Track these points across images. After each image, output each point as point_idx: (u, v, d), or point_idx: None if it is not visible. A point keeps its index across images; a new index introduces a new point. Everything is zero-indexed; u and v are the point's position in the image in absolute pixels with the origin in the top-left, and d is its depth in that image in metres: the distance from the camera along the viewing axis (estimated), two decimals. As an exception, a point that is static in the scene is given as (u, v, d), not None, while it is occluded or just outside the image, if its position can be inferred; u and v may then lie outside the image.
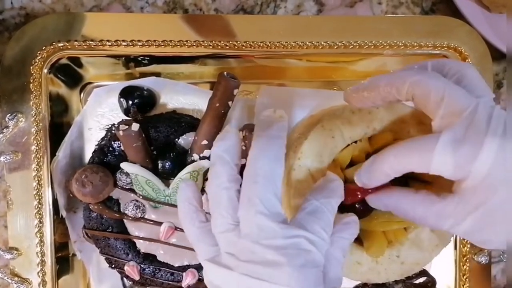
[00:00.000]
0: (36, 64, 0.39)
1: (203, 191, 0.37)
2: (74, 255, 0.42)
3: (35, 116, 0.39)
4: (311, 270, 0.27)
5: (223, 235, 0.28)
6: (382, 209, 0.32)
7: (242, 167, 0.29)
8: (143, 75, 0.42)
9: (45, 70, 0.40)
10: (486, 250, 0.42)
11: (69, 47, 0.40)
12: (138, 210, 0.37)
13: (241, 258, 0.27)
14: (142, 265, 0.38)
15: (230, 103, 0.36)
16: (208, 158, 0.37)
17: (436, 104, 0.27)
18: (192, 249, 0.37)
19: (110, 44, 0.40)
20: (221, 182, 0.29)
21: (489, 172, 0.26)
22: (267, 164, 0.28)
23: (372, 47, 0.42)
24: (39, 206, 0.39)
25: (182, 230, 0.37)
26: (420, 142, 0.28)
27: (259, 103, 0.42)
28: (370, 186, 0.32)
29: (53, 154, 0.40)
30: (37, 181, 0.39)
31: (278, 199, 0.28)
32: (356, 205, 0.34)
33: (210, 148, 0.36)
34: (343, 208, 0.34)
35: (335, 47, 0.41)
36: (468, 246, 0.43)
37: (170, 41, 0.40)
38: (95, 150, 0.39)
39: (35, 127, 0.39)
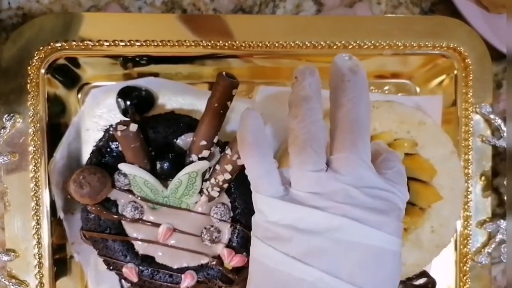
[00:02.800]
0: (33, 64, 0.39)
1: (201, 192, 0.37)
2: (72, 257, 0.42)
3: (32, 117, 0.39)
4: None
5: (315, 174, 0.27)
6: None
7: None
8: (141, 75, 0.42)
9: (43, 71, 0.39)
10: (486, 251, 0.42)
11: (67, 47, 0.39)
12: (136, 211, 0.37)
13: (336, 199, 0.26)
14: (140, 267, 0.38)
15: (229, 103, 0.35)
16: (207, 158, 0.37)
17: None
18: (191, 251, 0.37)
19: (108, 44, 0.40)
20: (319, 119, 0.28)
21: None
22: (366, 111, 0.28)
23: (372, 47, 0.42)
24: (37, 207, 0.39)
25: (180, 231, 0.37)
26: None
27: (258, 103, 0.42)
28: None
29: (50, 155, 0.40)
30: (34, 183, 0.39)
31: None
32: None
33: (208, 149, 0.36)
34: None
35: (334, 47, 0.41)
36: (469, 247, 0.42)
37: (169, 41, 0.40)
38: (92, 151, 0.39)
39: (33, 128, 0.39)
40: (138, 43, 0.40)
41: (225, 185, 0.37)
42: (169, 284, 0.38)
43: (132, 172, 0.36)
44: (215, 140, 0.36)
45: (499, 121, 0.42)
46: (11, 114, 0.39)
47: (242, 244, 0.38)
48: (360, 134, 0.27)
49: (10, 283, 0.39)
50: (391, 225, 0.27)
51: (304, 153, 0.27)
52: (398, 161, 0.30)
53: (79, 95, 0.43)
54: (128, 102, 0.40)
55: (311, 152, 0.27)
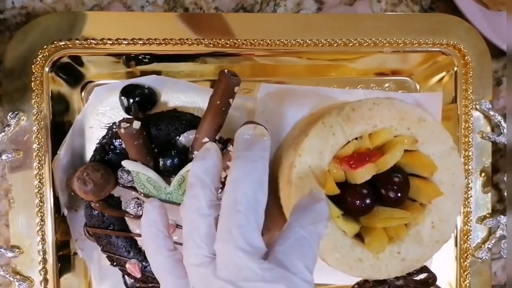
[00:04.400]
0: (37, 63, 0.39)
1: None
2: (75, 253, 0.42)
3: (36, 115, 0.39)
4: None
5: (197, 269, 0.25)
6: None
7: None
8: (144, 73, 0.43)
9: (47, 69, 0.40)
10: (486, 247, 0.42)
11: (70, 46, 0.40)
12: (140, 207, 0.37)
13: None
14: (143, 263, 0.38)
15: (231, 100, 0.36)
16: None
17: None
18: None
19: (111, 42, 0.40)
20: (200, 207, 0.26)
21: None
22: (250, 190, 0.25)
23: (372, 44, 0.42)
24: (41, 204, 0.39)
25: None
26: None
27: (259, 101, 0.42)
28: None
29: (54, 152, 0.40)
30: (38, 180, 0.39)
31: (260, 231, 0.25)
32: (357, 203, 0.35)
33: (211, 146, 0.37)
34: (344, 206, 0.35)
35: (335, 45, 0.42)
36: (469, 242, 0.43)
37: (171, 39, 0.40)
38: (96, 148, 0.39)
39: (37, 125, 0.39)
40: (140, 42, 0.40)
41: (227, 182, 0.37)
42: (172, 280, 0.38)
43: (135, 169, 0.36)
44: (217, 137, 0.37)
45: (499, 118, 0.42)
46: (16, 112, 0.39)
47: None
48: (237, 220, 0.25)
49: (15, 279, 0.39)
50: None
51: (186, 245, 0.26)
52: (300, 225, 0.26)
53: (83, 93, 0.44)
54: (131, 100, 0.40)
55: (192, 244, 0.26)
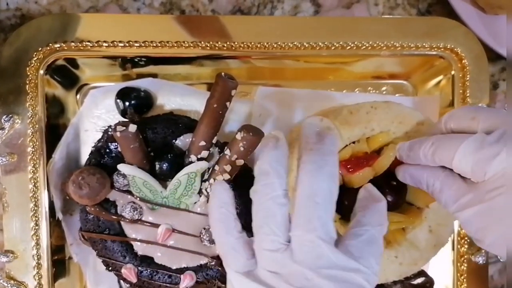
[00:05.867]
0: (32, 65, 0.39)
1: (200, 192, 0.37)
2: (70, 258, 0.42)
3: (31, 118, 0.39)
4: None
5: (271, 254, 0.27)
6: (407, 181, 0.33)
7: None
8: (140, 76, 0.42)
9: (41, 72, 0.39)
10: (483, 251, 0.42)
11: (65, 48, 0.39)
12: (136, 212, 0.37)
13: (292, 282, 0.26)
14: (139, 268, 0.38)
15: (228, 104, 0.35)
16: (206, 159, 0.37)
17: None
18: (190, 251, 0.37)
19: (106, 45, 0.40)
20: (277, 196, 0.27)
21: (503, 173, 0.26)
22: (325, 183, 0.27)
23: (369, 48, 0.42)
24: (35, 208, 0.39)
25: (179, 232, 0.37)
26: (452, 138, 0.29)
27: (256, 104, 0.42)
28: (406, 162, 0.33)
29: (49, 156, 0.40)
30: (33, 183, 0.39)
31: (333, 222, 0.27)
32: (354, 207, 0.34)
33: (207, 149, 0.36)
34: (342, 210, 0.35)
35: (332, 48, 0.42)
36: (466, 246, 0.43)
37: (167, 42, 0.40)
38: (91, 151, 0.39)
39: (31, 128, 0.39)
40: (137, 44, 0.40)
41: (224, 186, 0.37)
42: (168, 285, 0.38)
43: (131, 172, 0.36)
44: (214, 141, 0.36)
45: (495, 121, 0.42)
46: (10, 115, 0.39)
47: (241, 244, 0.38)
48: (316, 211, 0.26)
49: (9, 284, 0.39)
50: None
51: (261, 230, 0.27)
52: (370, 225, 0.28)
53: (78, 96, 0.43)
54: (127, 103, 0.40)
55: (267, 231, 0.27)
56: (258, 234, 0.28)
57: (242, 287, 0.28)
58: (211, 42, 0.40)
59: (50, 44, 0.39)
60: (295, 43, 0.41)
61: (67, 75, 0.42)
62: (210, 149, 0.37)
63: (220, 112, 0.36)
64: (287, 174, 0.28)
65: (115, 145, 0.37)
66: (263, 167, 0.28)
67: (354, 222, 0.28)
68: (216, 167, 0.36)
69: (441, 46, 0.43)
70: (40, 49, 0.39)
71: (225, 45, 0.41)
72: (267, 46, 0.41)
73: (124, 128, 0.35)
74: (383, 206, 0.29)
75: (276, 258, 0.27)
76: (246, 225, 0.37)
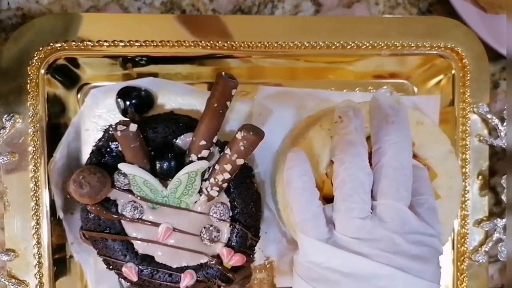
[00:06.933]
0: (33, 65, 0.39)
1: (201, 191, 0.37)
2: (71, 256, 0.42)
3: (32, 117, 0.39)
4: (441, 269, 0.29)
5: (361, 221, 0.28)
6: None
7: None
8: (141, 75, 0.42)
9: (42, 71, 0.40)
10: (483, 250, 0.42)
11: (66, 47, 0.40)
12: (136, 211, 0.37)
13: (381, 247, 0.27)
14: (140, 267, 0.38)
15: (228, 103, 0.35)
16: (206, 158, 0.37)
17: None
18: (190, 250, 0.37)
19: (107, 44, 0.40)
20: (365, 166, 0.29)
21: None
22: (407, 156, 0.29)
23: (370, 47, 0.42)
24: (36, 207, 0.39)
25: (180, 231, 0.37)
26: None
27: (257, 103, 0.42)
28: None
29: (50, 155, 0.40)
30: (34, 183, 0.39)
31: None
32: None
33: (208, 149, 0.36)
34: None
35: (333, 47, 0.42)
36: (466, 245, 0.43)
37: (168, 41, 0.40)
38: (92, 151, 0.39)
39: (32, 128, 0.39)
40: (137, 44, 0.40)
41: (225, 185, 0.37)
42: (168, 283, 0.38)
43: (132, 172, 0.36)
44: (214, 140, 0.37)
45: (496, 121, 0.42)
46: (11, 114, 0.39)
47: (241, 244, 0.38)
48: (404, 181, 0.28)
49: (10, 283, 0.39)
50: (432, 272, 0.28)
51: (351, 199, 0.28)
52: (427, 193, 0.30)
53: (79, 95, 0.43)
54: (128, 102, 0.40)
55: (358, 199, 0.28)
56: (346, 202, 0.28)
57: (322, 254, 0.28)
58: (211, 42, 0.40)
59: (51, 44, 0.39)
60: (296, 42, 0.41)
61: (68, 74, 0.42)
62: (211, 149, 0.37)
63: (221, 111, 0.36)
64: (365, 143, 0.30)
65: (116, 144, 0.38)
66: (349, 137, 0.29)
67: (412, 191, 0.29)
68: (217, 166, 0.36)
69: (441, 46, 0.43)
70: (41, 48, 0.39)
71: (226, 44, 0.41)
72: (267, 45, 0.41)
73: (125, 127, 0.35)
74: (427, 174, 0.32)
75: (364, 225, 0.28)
76: (246, 225, 0.38)
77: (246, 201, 0.38)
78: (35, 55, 0.39)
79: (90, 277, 0.42)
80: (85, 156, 0.41)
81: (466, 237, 0.43)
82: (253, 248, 0.39)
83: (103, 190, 0.36)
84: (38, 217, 0.39)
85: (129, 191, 0.37)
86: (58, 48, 0.39)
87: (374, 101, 0.31)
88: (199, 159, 0.37)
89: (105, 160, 0.38)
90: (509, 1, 0.43)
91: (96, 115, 0.42)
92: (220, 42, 0.41)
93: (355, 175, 0.28)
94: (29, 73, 0.39)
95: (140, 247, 0.38)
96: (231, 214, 0.38)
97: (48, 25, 0.39)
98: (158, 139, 0.38)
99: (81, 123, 0.41)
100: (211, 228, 0.37)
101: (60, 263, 0.41)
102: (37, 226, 0.39)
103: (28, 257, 0.39)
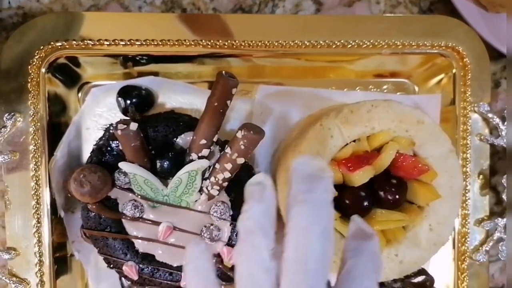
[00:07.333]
0: (34, 63, 0.39)
1: (201, 190, 0.37)
2: (72, 255, 0.42)
3: (33, 116, 0.39)
4: None
5: None
6: None
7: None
8: (141, 74, 0.42)
9: (43, 70, 0.40)
10: (484, 249, 0.42)
11: (67, 46, 0.40)
12: (137, 209, 0.37)
13: None
14: (140, 265, 0.38)
15: (228, 102, 0.35)
16: (206, 157, 0.37)
17: None
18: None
19: (108, 43, 0.40)
20: (262, 259, 0.24)
21: None
22: (319, 243, 0.23)
23: (370, 46, 0.42)
24: (37, 206, 0.39)
25: (180, 229, 0.37)
26: None
27: (257, 102, 0.42)
28: None
29: (51, 154, 0.40)
30: (35, 181, 0.39)
31: (326, 284, 0.23)
32: (355, 205, 0.35)
33: (208, 148, 0.36)
34: (342, 209, 0.35)
35: (333, 46, 0.42)
36: (467, 245, 0.43)
37: (168, 40, 0.40)
38: (93, 149, 0.39)
39: (33, 127, 0.39)
40: (138, 43, 0.40)
41: (225, 184, 0.37)
42: (169, 282, 0.38)
43: (132, 170, 0.36)
44: (215, 139, 0.37)
45: (497, 120, 0.42)
46: (12, 113, 0.39)
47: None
48: (307, 279, 0.23)
49: (11, 281, 0.39)
50: None
51: None
52: (363, 276, 0.24)
53: (80, 94, 0.43)
54: (128, 101, 0.40)
55: None
56: None
57: None
58: (212, 41, 0.40)
59: (52, 43, 0.39)
60: (296, 41, 0.41)
61: (68, 73, 0.42)
62: (211, 148, 0.37)
63: (221, 110, 0.36)
64: (274, 227, 0.25)
65: (116, 143, 0.38)
66: (248, 223, 0.25)
67: (345, 272, 0.24)
68: (217, 165, 0.36)
69: (442, 45, 0.42)
70: (42, 47, 0.39)
71: (226, 43, 0.41)
72: (268, 44, 0.41)
73: (125, 126, 0.35)
74: (376, 245, 0.25)
75: None
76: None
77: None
78: (36, 54, 0.39)
79: (91, 276, 0.42)
80: (86, 155, 0.41)
81: (467, 237, 0.43)
82: (254, 247, 0.39)
83: (103, 189, 0.36)
84: (39, 216, 0.39)
85: (130, 190, 0.37)
86: (59, 47, 0.40)
87: (291, 171, 0.25)
88: (199, 158, 0.37)
89: (105, 159, 0.38)
90: (509, 0, 0.43)
91: (97, 114, 0.42)
92: (220, 41, 0.41)
93: (248, 271, 0.24)
94: (30, 72, 0.39)
95: (141, 246, 0.38)
96: (231, 213, 0.38)
97: (49, 24, 0.39)
98: (159, 138, 0.38)
99: (82, 122, 0.41)
100: (211, 227, 0.37)
101: (61, 261, 0.41)
102: (38, 225, 0.39)
103: (29, 255, 0.39)
